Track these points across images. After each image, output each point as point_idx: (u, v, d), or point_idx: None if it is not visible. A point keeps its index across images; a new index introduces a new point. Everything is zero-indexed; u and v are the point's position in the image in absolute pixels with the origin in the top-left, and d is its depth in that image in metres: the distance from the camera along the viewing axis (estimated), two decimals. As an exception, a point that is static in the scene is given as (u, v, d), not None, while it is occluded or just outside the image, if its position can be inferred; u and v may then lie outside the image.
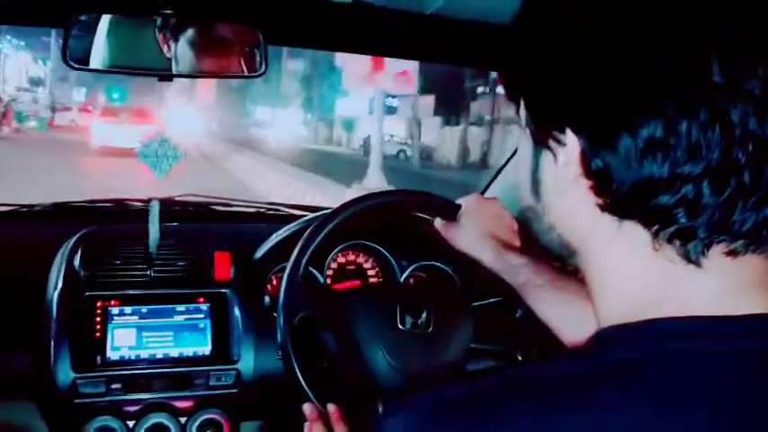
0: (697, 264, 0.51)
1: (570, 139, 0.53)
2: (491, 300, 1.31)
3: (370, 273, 1.55)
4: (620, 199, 0.52)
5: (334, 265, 1.53)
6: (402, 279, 1.50)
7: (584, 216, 0.55)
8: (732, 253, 0.50)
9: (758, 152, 0.47)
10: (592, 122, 0.52)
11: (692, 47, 0.47)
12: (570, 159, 0.54)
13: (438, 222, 1.23)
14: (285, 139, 32.01)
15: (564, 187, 0.56)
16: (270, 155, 20.09)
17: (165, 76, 1.15)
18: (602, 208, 0.54)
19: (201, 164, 16.83)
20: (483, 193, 1.70)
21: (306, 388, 1.13)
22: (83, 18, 0.99)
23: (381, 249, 1.52)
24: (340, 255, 1.53)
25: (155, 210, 1.27)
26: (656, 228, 0.51)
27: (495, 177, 1.67)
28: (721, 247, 0.50)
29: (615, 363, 0.50)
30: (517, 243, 1.18)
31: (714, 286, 0.51)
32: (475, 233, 1.16)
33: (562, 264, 0.65)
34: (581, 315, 0.97)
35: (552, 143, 0.55)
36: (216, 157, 20.70)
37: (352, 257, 1.55)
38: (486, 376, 0.56)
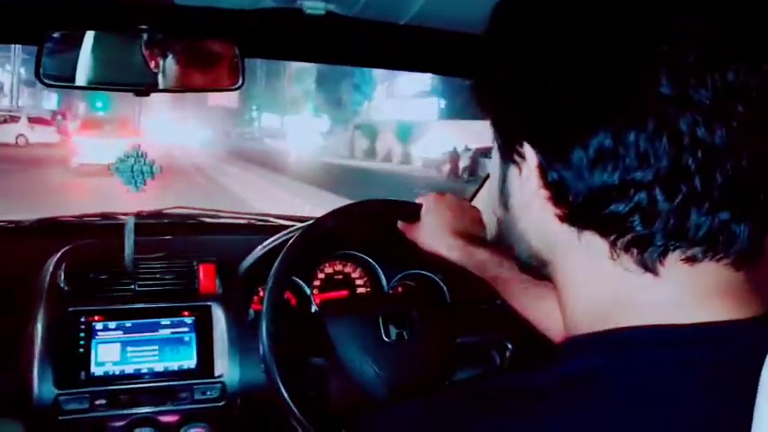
0: (654, 272, 0.51)
1: (528, 152, 0.54)
2: (476, 298, 1.31)
3: (359, 282, 1.55)
4: (576, 209, 0.52)
5: (321, 276, 1.52)
6: (389, 288, 1.49)
7: (547, 227, 0.56)
8: (690, 260, 0.50)
9: (707, 159, 0.47)
10: (544, 136, 0.53)
11: (640, 58, 0.47)
12: (531, 172, 0.54)
13: (401, 225, 1.23)
14: (304, 151, 28.14)
15: (527, 199, 0.56)
16: (285, 172, 18.20)
17: (148, 90, 1.15)
18: (561, 219, 0.54)
19: (198, 178, 15.81)
20: (471, 199, 1.70)
21: (290, 402, 1.13)
22: (56, 35, 1.00)
23: (368, 259, 1.51)
24: (327, 265, 1.53)
25: (130, 225, 1.27)
26: (613, 236, 0.51)
27: (482, 185, 1.67)
28: (678, 254, 0.50)
29: (574, 373, 0.50)
30: (483, 234, 1.18)
31: (673, 294, 0.51)
32: (438, 230, 1.16)
33: (535, 274, 0.65)
34: (554, 307, 0.97)
35: (516, 157, 0.56)
36: (215, 174, 18.14)
37: (339, 267, 1.54)
38: (451, 390, 0.56)
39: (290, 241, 1.18)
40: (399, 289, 1.53)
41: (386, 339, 1.18)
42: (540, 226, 0.57)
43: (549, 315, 1.00)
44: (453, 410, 0.52)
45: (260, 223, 1.79)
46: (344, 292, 1.53)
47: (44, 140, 24.02)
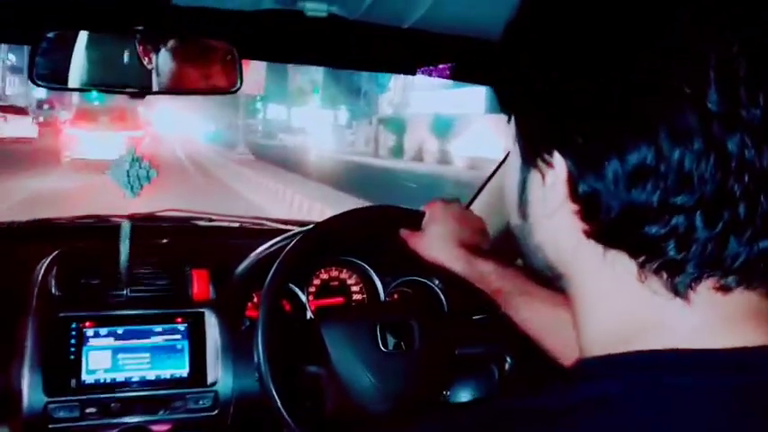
0: (685, 297, 0.48)
1: (558, 160, 0.51)
2: (474, 307, 1.29)
3: (354, 289, 1.53)
4: (606, 226, 0.49)
5: (316, 282, 1.50)
6: (385, 295, 1.47)
7: (569, 240, 0.53)
8: (723, 288, 0.48)
9: (754, 184, 0.44)
10: (578, 144, 0.49)
11: (689, 69, 0.44)
12: (557, 181, 0.51)
13: (403, 233, 1.21)
14: (324, 149, 25.32)
15: (550, 209, 0.53)
16: (304, 173, 15.60)
17: (143, 92, 1.12)
18: (588, 234, 0.51)
19: (199, 180, 14.08)
20: (469, 205, 1.68)
21: (284, 412, 1.11)
22: (50, 35, 0.97)
23: (364, 265, 1.49)
24: (323, 271, 1.51)
25: (125, 230, 1.24)
26: (642, 258, 0.49)
27: (481, 189, 1.65)
28: (711, 281, 0.48)
29: (591, 396, 0.48)
30: (485, 245, 1.16)
31: (701, 319, 0.49)
32: (441, 241, 1.14)
33: (547, 285, 0.62)
34: (556, 322, 0.95)
35: (540, 163, 0.53)
36: (220, 174, 16.08)
37: (335, 274, 1.52)
38: (459, 412, 0.54)
39: (288, 247, 1.15)
40: (395, 296, 1.51)
41: (383, 349, 1.16)
42: (560, 239, 0.54)
43: (551, 331, 0.98)
44: None
45: (255, 227, 1.76)
46: (340, 299, 1.51)
47: (19, 135, 20.29)
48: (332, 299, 1.50)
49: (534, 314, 1.01)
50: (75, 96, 21.95)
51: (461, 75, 1.23)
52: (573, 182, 0.50)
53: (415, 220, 1.18)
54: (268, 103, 36.62)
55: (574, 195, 0.50)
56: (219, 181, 14.46)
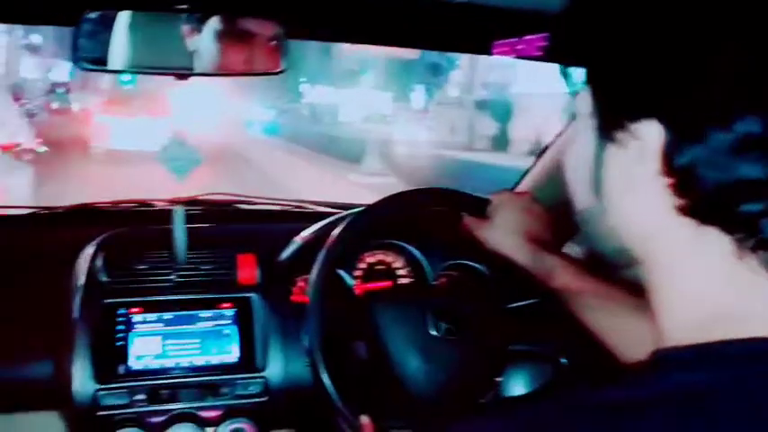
0: None
1: (649, 130, 0.47)
2: (528, 300, 1.24)
3: (401, 272, 1.49)
4: (703, 201, 0.46)
5: (362, 266, 1.47)
6: (433, 279, 1.43)
7: (655, 219, 0.49)
8: None
9: None
10: (680, 112, 0.45)
11: None
12: (646, 154, 0.47)
13: (468, 219, 1.17)
14: (398, 140, 18.60)
15: (634, 186, 0.49)
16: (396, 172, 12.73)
17: (186, 74, 1.09)
18: (682, 210, 0.47)
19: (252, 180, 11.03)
20: (514, 188, 1.63)
21: (334, 397, 1.08)
22: (93, 16, 0.95)
23: (412, 248, 1.45)
24: (369, 254, 1.48)
25: (179, 215, 1.22)
26: (740, 235, 0.45)
27: (527, 172, 1.60)
28: None
29: (675, 389, 0.44)
30: (550, 239, 1.12)
31: None
32: (506, 230, 1.11)
33: (613, 273, 0.58)
34: (625, 326, 0.91)
35: (623, 136, 0.49)
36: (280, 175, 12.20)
37: (381, 257, 1.49)
38: (534, 406, 0.50)
39: (340, 229, 1.12)
40: (443, 279, 1.47)
41: (433, 333, 1.13)
42: (643, 217, 0.50)
43: (622, 332, 0.94)
44: (546, 429, 0.47)
45: (296, 210, 1.74)
46: (388, 283, 1.48)
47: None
48: (379, 282, 1.47)
49: (606, 315, 0.97)
50: (105, 80, 20.03)
51: (540, 52, 1.17)
52: (668, 153, 0.46)
53: (479, 206, 1.15)
54: (315, 84, 31.62)
55: (668, 168, 0.46)
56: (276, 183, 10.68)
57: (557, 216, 1.15)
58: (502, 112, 20.78)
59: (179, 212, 1.21)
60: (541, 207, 1.16)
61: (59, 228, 1.56)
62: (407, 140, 19.34)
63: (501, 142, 19.84)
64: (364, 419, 1.02)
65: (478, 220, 1.15)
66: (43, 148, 4.88)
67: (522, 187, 1.57)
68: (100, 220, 1.55)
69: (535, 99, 17.86)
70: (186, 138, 1.17)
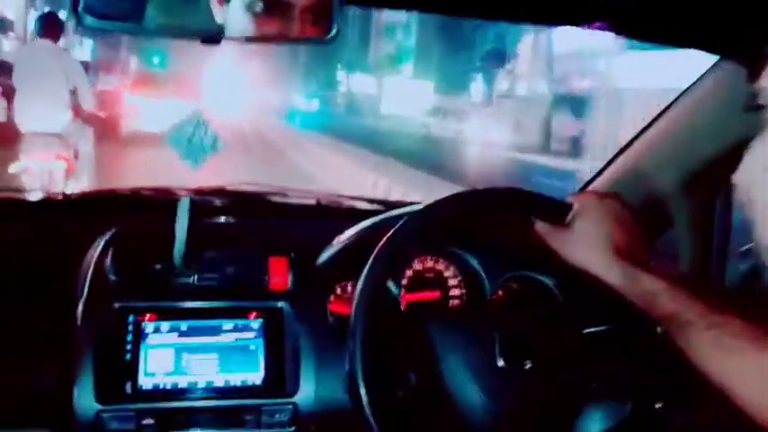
0: None
1: None
2: (607, 326, 1.05)
3: (452, 282, 1.31)
4: None
5: (408, 273, 1.28)
6: (490, 293, 1.24)
7: None
8: None
9: None
10: None
11: None
12: None
13: (542, 227, 0.97)
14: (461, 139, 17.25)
15: None
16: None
17: (217, 38, 0.90)
18: None
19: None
20: (586, 186, 1.42)
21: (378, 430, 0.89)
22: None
23: (467, 256, 1.26)
24: (416, 260, 1.29)
25: (184, 206, 1.03)
26: None
27: (606, 167, 1.38)
28: None
29: None
30: (644, 255, 0.92)
31: None
32: (592, 243, 0.91)
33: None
34: (749, 369, 0.72)
35: None
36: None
37: (430, 264, 1.30)
38: None
39: (394, 232, 0.93)
40: (500, 292, 1.28)
41: (500, 363, 0.93)
42: None
43: (743, 376, 0.74)
44: None
45: (333, 205, 1.55)
46: (436, 293, 1.29)
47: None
48: (426, 293, 1.28)
49: (726, 354, 0.77)
50: (133, 61, 19.39)
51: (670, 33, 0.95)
52: None
53: (557, 211, 0.94)
54: (353, 73, 29.12)
55: None
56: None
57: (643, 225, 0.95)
58: (579, 109, 17.13)
59: (184, 204, 1.03)
60: (634, 213, 0.96)
61: (72, 216, 1.39)
62: (469, 138, 17.37)
63: (576, 145, 16.57)
64: None
65: (555, 228, 0.95)
66: (103, 114, 5.01)
67: (601, 187, 1.36)
68: (115, 210, 1.38)
69: (622, 95, 14.66)
70: (207, 118, 0.98)
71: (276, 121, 20.38)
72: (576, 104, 17.48)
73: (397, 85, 26.68)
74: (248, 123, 16.25)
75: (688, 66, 1.26)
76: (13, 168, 4.59)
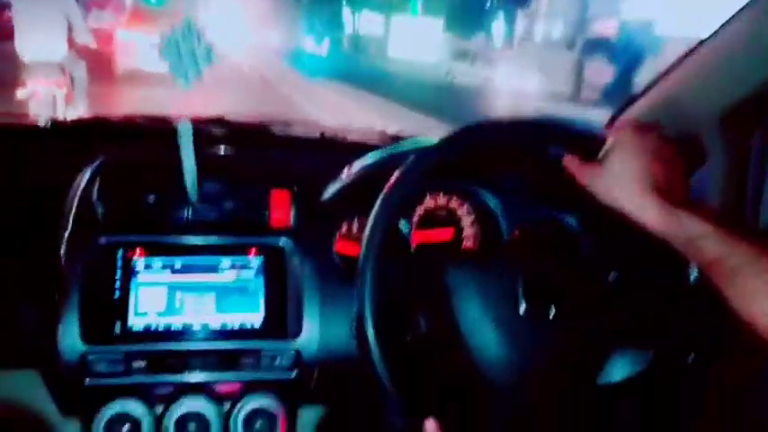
0: None
1: None
2: (636, 271, 0.97)
3: (466, 222, 1.22)
4: None
5: (419, 210, 1.20)
6: (507, 233, 1.16)
7: None
8: None
9: None
10: None
11: None
12: None
13: (571, 162, 0.87)
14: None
15: None
16: None
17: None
18: None
19: None
20: (615, 118, 1.29)
21: (386, 378, 0.82)
22: None
23: (483, 192, 1.17)
24: (428, 197, 1.20)
25: (185, 130, 0.94)
26: None
27: (638, 97, 1.26)
28: None
29: None
30: (686, 195, 0.83)
31: None
32: (629, 180, 0.81)
33: None
34: None
35: None
36: None
37: (442, 201, 1.22)
38: None
39: (407, 166, 0.83)
40: (517, 233, 1.20)
41: (521, 312, 0.85)
42: None
43: None
44: None
45: (339, 138, 1.46)
46: (448, 233, 1.21)
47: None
48: (438, 230, 1.20)
49: None
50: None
51: None
52: None
53: (591, 144, 0.84)
54: (361, 10, 26.21)
55: None
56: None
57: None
58: (614, 54, 15.58)
59: (185, 128, 0.94)
60: (676, 147, 0.86)
61: (61, 144, 1.30)
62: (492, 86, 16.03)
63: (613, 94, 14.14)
64: (430, 426, 0.77)
65: (587, 163, 0.86)
66: (95, 45, 5.16)
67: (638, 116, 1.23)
68: (106, 139, 1.29)
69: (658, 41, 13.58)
70: (199, 27, 0.87)
71: (279, 63, 19.33)
72: (611, 49, 15.89)
73: (407, 25, 24.84)
74: (249, 61, 15.66)
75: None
76: (21, 94, 4.74)
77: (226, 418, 0.95)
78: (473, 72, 18.06)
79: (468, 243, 1.21)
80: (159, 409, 0.93)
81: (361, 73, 17.19)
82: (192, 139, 0.94)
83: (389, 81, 15.32)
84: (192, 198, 0.98)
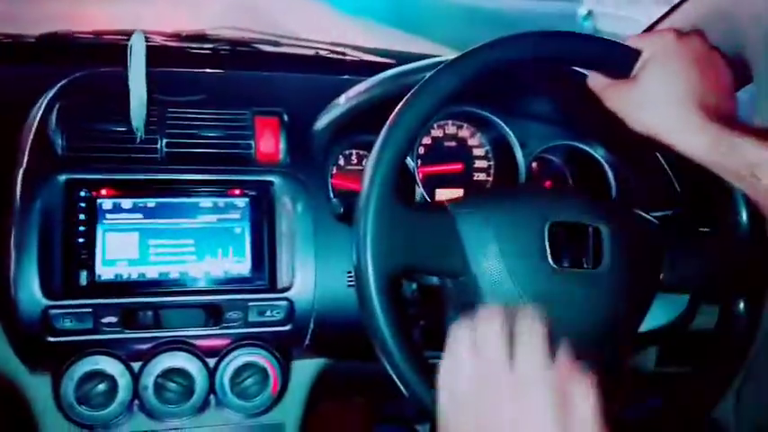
0: None
1: None
2: (671, 211, 0.86)
3: (477, 153, 1.10)
4: None
5: (426, 140, 1.07)
6: (525, 167, 1.03)
7: None
8: None
9: None
10: None
11: None
12: None
13: (597, 82, 0.74)
14: None
15: None
16: None
17: None
18: None
19: None
20: (654, 26, 1.12)
21: (393, 339, 0.71)
22: None
23: (495, 119, 1.04)
24: (435, 126, 1.08)
25: (137, 46, 0.80)
26: None
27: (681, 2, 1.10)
28: None
29: None
30: (737, 115, 0.70)
31: None
32: (670, 100, 0.68)
33: None
34: None
35: None
36: None
37: (452, 130, 1.09)
38: None
39: (415, 94, 0.70)
40: (535, 166, 1.08)
41: (552, 263, 0.73)
42: None
43: None
44: None
45: (335, 56, 1.31)
46: (458, 166, 1.09)
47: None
48: (446, 165, 1.08)
49: None
50: None
51: None
52: None
53: (621, 60, 0.71)
54: None
55: None
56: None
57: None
58: None
59: (137, 41, 0.80)
60: (724, 59, 0.72)
61: (23, 63, 1.15)
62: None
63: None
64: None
65: (616, 83, 0.72)
66: None
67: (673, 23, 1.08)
68: (73, 58, 1.14)
69: None
70: None
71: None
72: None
73: None
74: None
75: None
76: None
77: (211, 375, 0.85)
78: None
79: (479, 176, 1.09)
80: (137, 367, 0.83)
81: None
82: (144, 54, 0.80)
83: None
84: (138, 132, 0.85)
